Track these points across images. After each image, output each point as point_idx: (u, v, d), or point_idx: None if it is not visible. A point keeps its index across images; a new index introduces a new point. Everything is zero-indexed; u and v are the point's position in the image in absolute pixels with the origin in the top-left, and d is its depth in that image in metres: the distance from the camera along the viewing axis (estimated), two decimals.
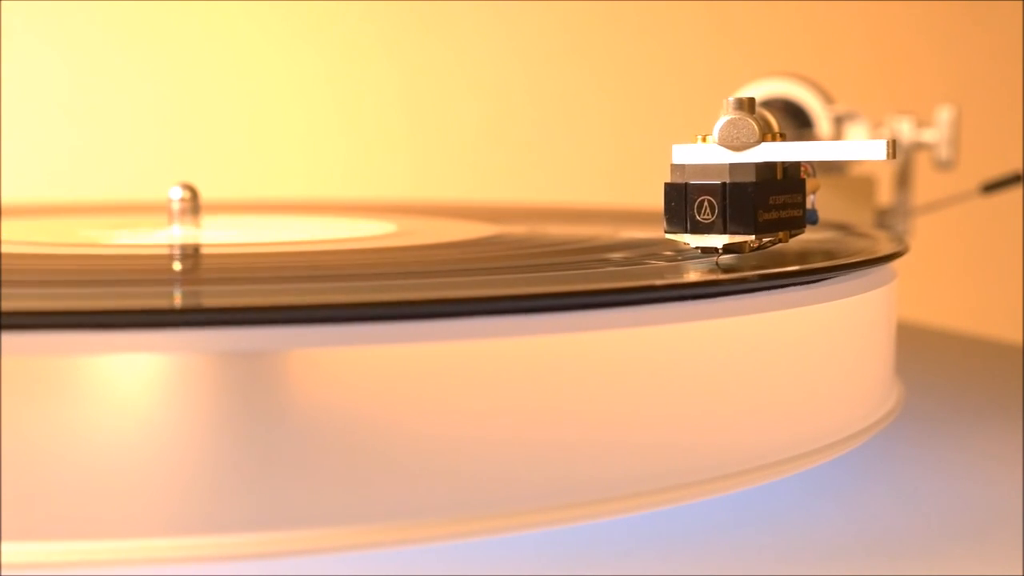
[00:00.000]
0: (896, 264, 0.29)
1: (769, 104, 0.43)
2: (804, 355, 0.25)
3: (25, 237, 0.35)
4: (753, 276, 0.24)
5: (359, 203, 0.53)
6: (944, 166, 0.44)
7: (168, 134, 0.74)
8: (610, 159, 0.79)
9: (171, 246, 0.33)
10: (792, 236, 0.27)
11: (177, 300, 0.23)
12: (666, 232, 0.26)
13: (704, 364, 0.23)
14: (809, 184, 0.27)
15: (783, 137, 0.26)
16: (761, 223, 0.25)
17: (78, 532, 0.19)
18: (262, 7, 0.75)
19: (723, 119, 0.26)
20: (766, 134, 0.25)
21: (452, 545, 0.21)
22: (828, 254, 0.28)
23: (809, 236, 0.29)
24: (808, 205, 0.27)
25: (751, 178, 0.25)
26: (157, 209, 0.40)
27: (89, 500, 0.19)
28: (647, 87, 0.80)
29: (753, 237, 0.25)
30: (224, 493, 0.19)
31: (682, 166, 0.26)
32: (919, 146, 0.44)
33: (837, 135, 0.43)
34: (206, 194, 0.36)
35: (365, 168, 0.77)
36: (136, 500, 0.19)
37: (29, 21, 0.72)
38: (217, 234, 0.35)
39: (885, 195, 0.45)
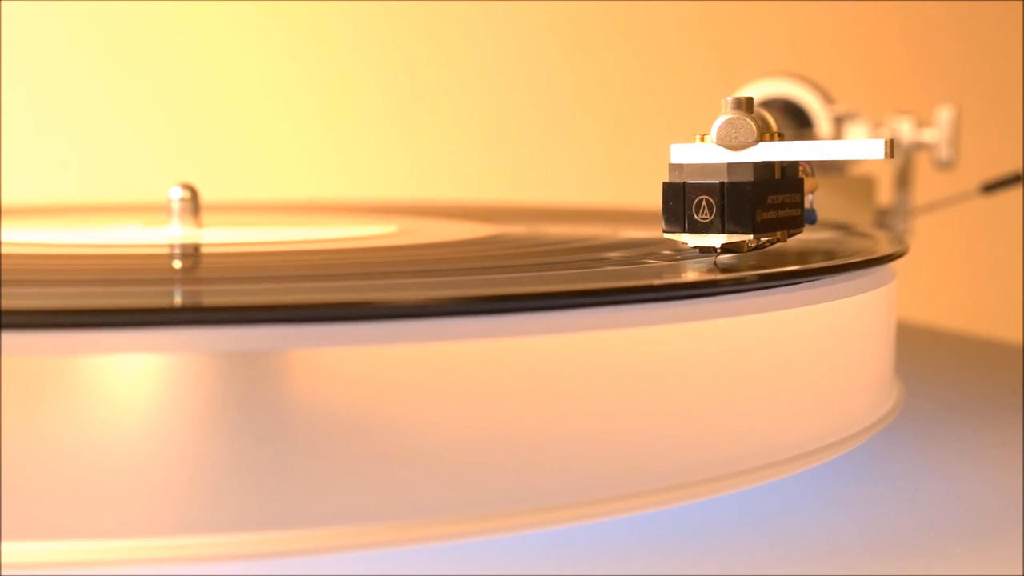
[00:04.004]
0: (896, 264, 0.29)
1: (769, 104, 0.43)
2: (804, 355, 0.25)
3: (25, 237, 0.35)
4: (752, 276, 0.24)
5: (359, 203, 0.53)
6: (944, 166, 0.44)
7: (168, 134, 0.74)
8: (609, 159, 0.79)
9: (171, 246, 0.33)
10: (790, 236, 0.27)
11: (177, 299, 0.23)
12: (664, 232, 0.26)
13: (703, 364, 0.23)
14: (807, 184, 0.27)
15: (781, 137, 0.26)
16: (759, 223, 0.25)
17: (78, 532, 0.19)
18: (263, 7, 0.75)
19: (721, 119, 0.26)
20: (764, 134, 0.26)
21: (452, 545, 0.21)
22: (828, 254, 0.28)
23: (809, 236, 0.29)
24: (806, 205, 0.27)
25: (749, 178, 0.25)
26: (157, 209, 0.40)
27: (89, 500, 0.19)
28: (646, 87, 0.80)
29: (751, 237, 0.25)
30: (224, 493, 0.19)
31: (680, 165, 0.26)
32: (919, 146, 0.44)
33: (837, 135, 0.43)
34: (206, 194, 0.36)
35: (365, 168, 0.77)
36: (135, 500, 0.19)
37: (29, 21, 0.72)
38: (217, 234, 0.35)
39: (885, 195, 0.45)
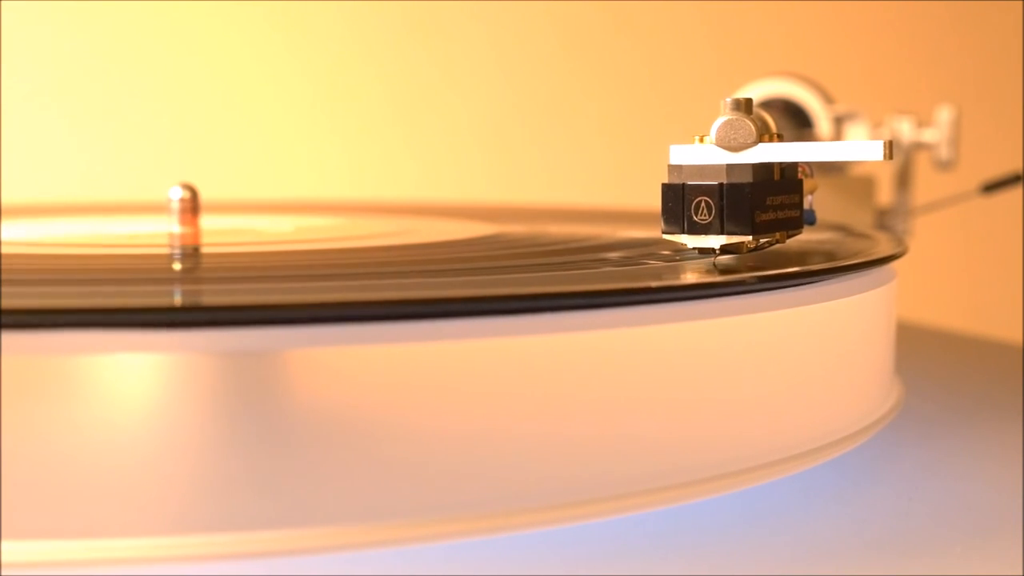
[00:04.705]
0: (896, 264, 0.29)
1: (769, 104, 0.43)
2: (804, 355, 0.25)
3: (25, 237, 0.35)
4: (751, 277, 0.24)
5: (359, 203, 0.53)
6: (944, 166, 0.44)
7: (168, 134, 0.74)
8: (609, 159, 0.79)
9: (171, 246, 0.33)
10: (789, 237, 0.27)
11: (177, 300, 0.23)
12: (663, 233, 0.26)
13: (703, 364, 0.23)
14: (807, 185, 0.27)
15: (780, 138, 0.26)
16: (758, 224, 0.25)
17: (79, 531, 0.19)
18: (263, 7, 0.75)
19: (720, 120, 0.26)
20: (763, 135, 0.26)
21: (452, 545, 0.21)
22: (828, 255, 0.28)
23: (809, 236, 0.29)
24: (806, 206, 0.27)
25: (748, 179, 0.25)
26: (157, 209, 0.40)
27: (89, 499, 0.19)
28: (647, 87, 0.80)
29: (750, 238, 0.25)
30: (223, 492, 0.19)
31: (679, 167, 0.26)
32: (919, 146, 0.44)
33: (837, 135, 0.43)
34: (206, 194, 0.36)
35: (365, 168, 0.77)
36: (135, 499, 0.19)
37: (29, 21, 0.72)
38: (217, 234, 0.35)
39: (885, 195, 0.45)
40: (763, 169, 0.26)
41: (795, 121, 0.43)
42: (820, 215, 0.29)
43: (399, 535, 0.20)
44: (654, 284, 0.24)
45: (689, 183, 0.25)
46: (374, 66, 0.77)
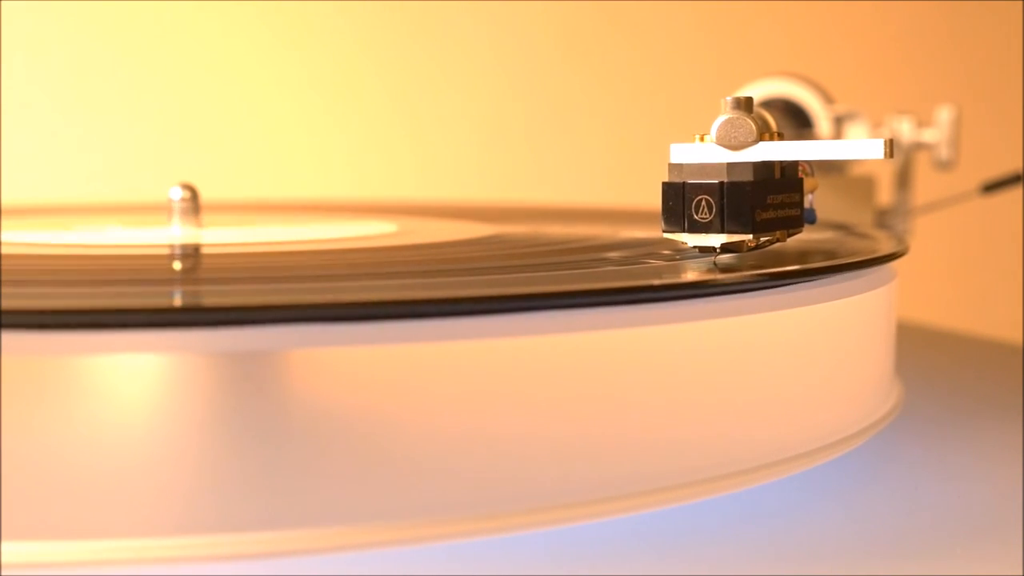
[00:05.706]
0: (896, 264, 0.29)
1: (769, 104, 0.43)
2: (804, 355, 0.25)
3: (25, 237, 0.35)
4: (752, 276, 0.24)
5: (359, 203, 0.53)
6: (944, 166, 0.44)
7: (168, 134, 0.74)
8: (610, 159, 0.79)
9: (171, 246, 0.33)
10: (790, 235, 0.27)
11: (177, 300, 0.23)
12: (664, 232, 0.26)
13: (703, 364, 0.23)
14: (807, 183, 0.27)
15: (781, 136, 0.26)
16: (759, 222, 0.25)
17: (78, 532, 0.19)
18: (263, 7, 0.75)
19: (721, 118, 0.26)
20: (764, 133, 0.26)
21: (452, 545, 0.21)
22: (828, 254, 0.28)
23: (809, 236, 0.29)
24: (806, 204, 0.27)
25: (749, 177, 0.25)
26: (157, 209, 0.40)
27: (89, 500, 0.19)
28: (647, 87, 0.80)
29: (751, 236, 0.25)
30: (224, 493, 0.19)
31: (680, 165, 0.26)
32: (919, 146, 0.44)
33: (837, 135, 0.43)
34: (206, 194, 0.36)
35: (365, 168, 0.77)
36: (135, 500, 0.19)
37: (29, 21, 0.72)
38: (217, 234, 0.35)
39: (885, 195, 0.45)
40: (764, 168, 0.26)
41: (795, 121, 0.43)
42: (820, 215, 0.29)
43: (399, 535, 0.20)
44: (655, 283, 0.24)
45: (690, 182, 0.25)
46: (375, 66, 0.77)
